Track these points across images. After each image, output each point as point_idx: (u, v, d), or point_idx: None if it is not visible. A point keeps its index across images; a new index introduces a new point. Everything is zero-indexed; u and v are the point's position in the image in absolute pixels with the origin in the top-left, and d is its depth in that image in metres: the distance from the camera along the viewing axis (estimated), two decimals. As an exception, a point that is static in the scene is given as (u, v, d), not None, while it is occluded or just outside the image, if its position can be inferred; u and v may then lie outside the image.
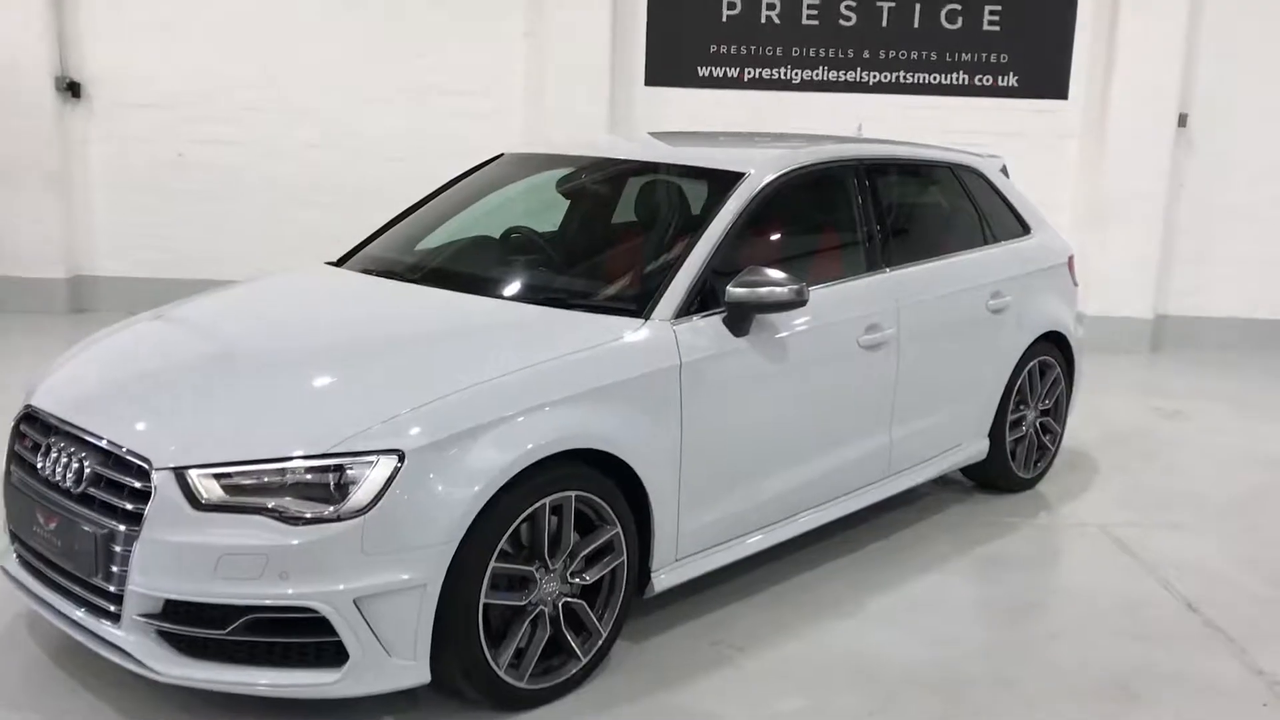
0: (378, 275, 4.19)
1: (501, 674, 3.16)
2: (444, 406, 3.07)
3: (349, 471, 2.91)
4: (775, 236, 4.24)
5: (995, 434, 5.01)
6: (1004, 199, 5.26)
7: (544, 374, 3.27)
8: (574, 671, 3.35)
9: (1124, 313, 8.35)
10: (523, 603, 3.20)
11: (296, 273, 4.44)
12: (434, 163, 8.19)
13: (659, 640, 3.71)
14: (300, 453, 2.93)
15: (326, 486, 2.91)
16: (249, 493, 2.91)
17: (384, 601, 2.91)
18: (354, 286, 4.14)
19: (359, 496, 2.90)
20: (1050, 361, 5.24)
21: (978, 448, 4.94)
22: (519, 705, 3.25)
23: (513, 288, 4.00)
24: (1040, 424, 5.26)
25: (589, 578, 3.35)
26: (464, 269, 4.27)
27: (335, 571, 2.87)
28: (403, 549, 2.92)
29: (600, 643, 3.41)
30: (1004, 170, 5.45)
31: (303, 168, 8.47)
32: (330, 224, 8.36)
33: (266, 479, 2.91)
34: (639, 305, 3.63)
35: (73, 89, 8.32)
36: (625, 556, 3.43)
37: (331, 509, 2.88)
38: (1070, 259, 5.49)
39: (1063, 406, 5.40)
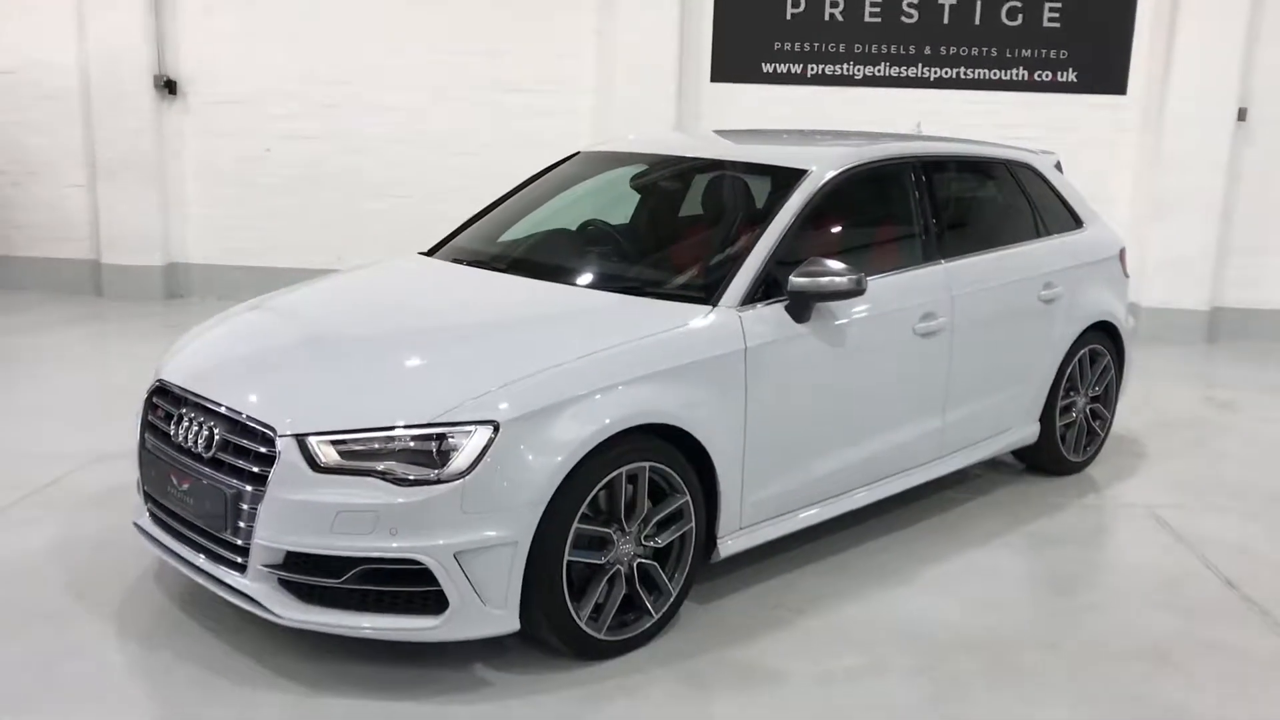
0: (467, 264, 4.54)
1: (582, 625, 3.49)
2: (532, 384, 3.40)
3: (449, 440, 3.26)
4: (835, 229, 4.52)
5: (1046, 419, 5.24)
6: (1057, 194, 5.48)
7: (620, 356, 3.59)
8: (646, 626, 3.67)
9: (1180, 304, 8.49)
10: (602, 561, 3.53)
11: (392, 262, 4.81)
12: (504, 157, 8.62)
13: (724, 602, 4.02)
14: (405, 422, 3.28)
15: (429, 453, 3.26)
16: (361, 457, 3.26)
17: (480, 556, 3.25)
18: (446, 275, 4.49)
19: (458, 462, 3.24)
20: (1100, 350, 5.45)
21: (1028, 431, 5.18)
22: (597, 655, 3.58)
23: (590, 277, 4.33)
24: (1090, 410, 5.48)
25: (660, 541, 3.67)
26: (545, 259, 4.60)
27: (437, 528, 3.21)
28: (496, 509, 3.25)
29: (670, 601, 3.73)
30: (1058, 166, 5.67)
31: (379, 162, 8.88)
32: (405, 215, 8.83)
33: (376, 445, 3.27)
34: (707, 293, 3.93)
35: (170, 87, 8.81)
36: (693, 523, 3.74)
37: (434, 473, 3.23)
38: (1122, 251, 5.69)
39: (1112, 394, 5.61)
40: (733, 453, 3.82)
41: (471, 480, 3.23)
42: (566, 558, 3.41)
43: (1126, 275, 5.72)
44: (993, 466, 5.45)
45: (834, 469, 4.23)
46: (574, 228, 4.90)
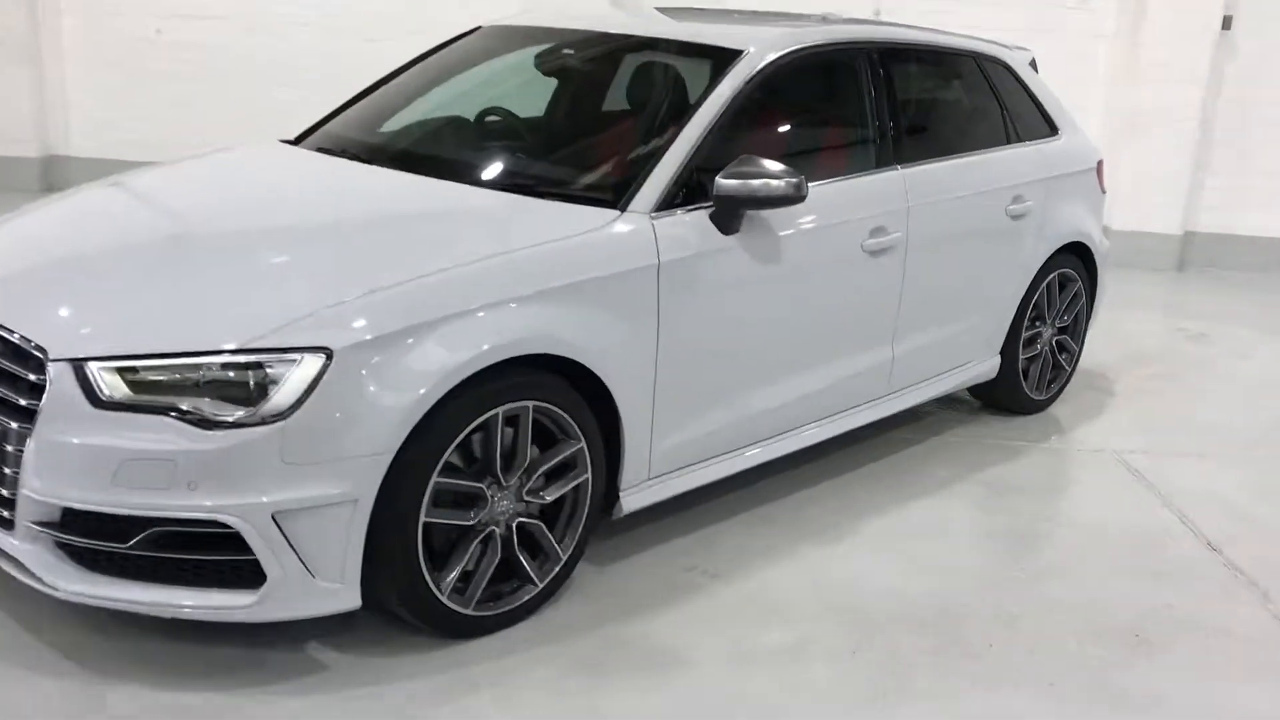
0: (335, 155, 3.79)
1: (444, 599, 2.84)
2: (382, 300, 2.70)
3: (270, 370, 2.56)
4: (774, 125, 3.83)
5: (1007, 351, 4.63)
6: (1031, 95, 4.80)
7: (501, 267, 2.90)
8: (528, 598, 3.04)
9: (1150, 228, 7.89)
10: (470, 522, 2.88)
11: (246, 149, 4.04)
12: (422, 46, 7.67)
13: (626, 565, 3.39)
14: (216, 347, 2.57)
15: (245, 386, 2.56)
16: (156, 390, 2.56)
17: (307, 517, 2.58)
18: (307, 167, 3.74)
19: (279, 399, 2.55)
20: (1071, 275, 4.84)
21: (988, 365, 4.57)
22: (465, 633, 2.94)
23: (479, 172, 3.61)
24: (1056, 342, 4.88)
25: (547, 496, 3.02)
26: (428, 151, 3.88)
27: (251, 482, 2.54)
28: (330, 459, 2.58)
29: (559, 568, 3.09)
30: (1032, 64, 4.99)
31: (289, 47, 7.98)
32: (317, 108, 7.92)
33: (177, 375, 2.56)
34: (616, 195, 3.24)
35: (42, -46, 7.82)
36: (590, 474, 3.09)
37: (248, 412, 2.54)
38: (1099, 164, 5.05)
39: (1082, 324, 5.01)
40: (640, 390, 3.16)
41: (295, 422, 2.55)
42: (423, 518, 2.75)
43: (1103, 191, 5.09)
44: (944, 404, 4.85)
45: (763, 408, 3.59)
46: (470, 117, 4.15)
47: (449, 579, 2.85)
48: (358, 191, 3.49)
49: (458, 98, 4.26)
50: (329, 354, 2.58)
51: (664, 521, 3.61)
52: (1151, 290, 7.41)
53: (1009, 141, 4.59)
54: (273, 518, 2.56)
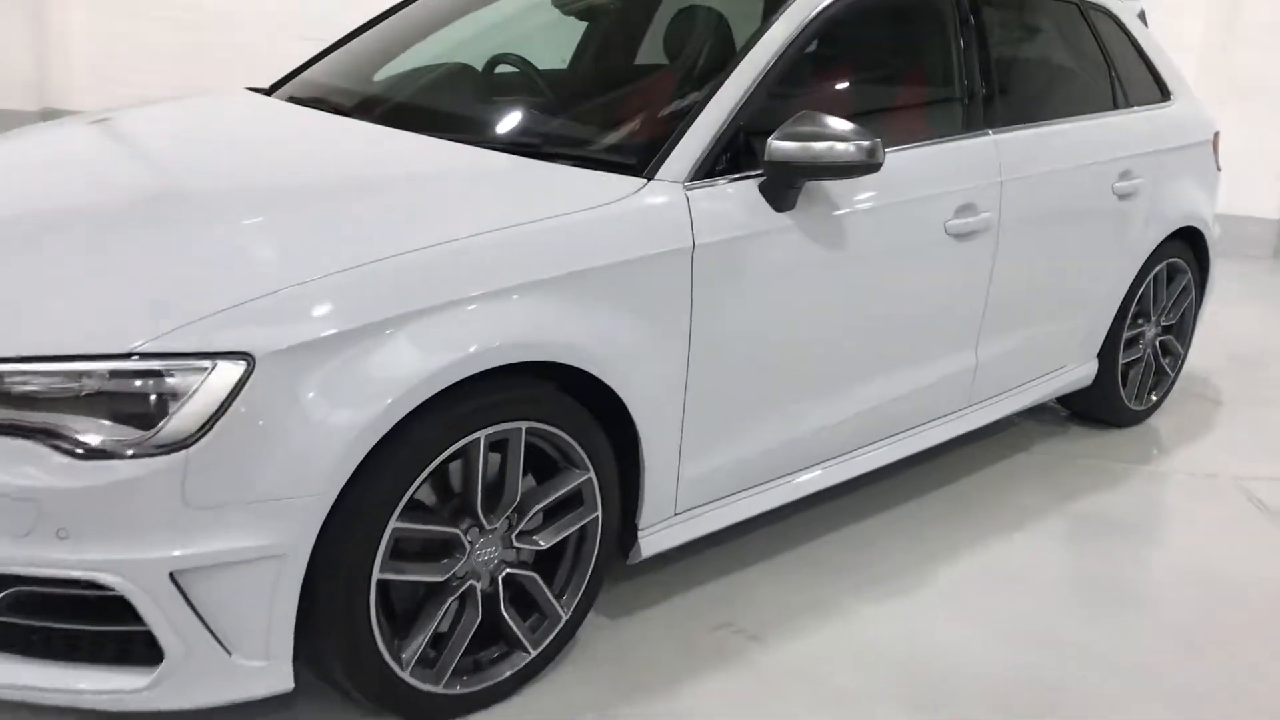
0: (308, 106, 3.15)
1: (405, 674, 2.21)
2: (333, 288, 2.06)
3: (169, 380, 1.92)
4: (838, 78, 3.13)
5: (1106, 354, 3.93)
6: (1140, 53, 4.07)
7: (489, 249, 2.24)
8: (520, 667, 2.40)
9: (1248, 211, 7.09)
10: (441, 578, 2.24)
11: (195, 99, 3.40)
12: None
13: (643, 620, 2.74)
14: (100, 350, 1.93)
15: (137, 401, 1.92)
16: (17, 405, 1.93)
17: (219, 577, 1.95)
18: (276, 122, 3.10)
19: (182, 420, 1.91)
20: (1180, 265, 4.12)
21: (1084, 371, 3.86)
22: (435, 715, 2.30)
23: (482, 130, 2.95)
24: (1160, 343, 4.17)
25: (543, 542, 2.38)
26: (419, 103, 3.22)
27: (141, 531, 1.91)
28: (250, 501, 1.95)
29: (558, 629, 2.45)
30: (1141, 16, 4.24)
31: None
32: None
33: (44, 387, 1.93)
34: (641, 159, 2.56)
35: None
36: (600, 511, 2.45)
37: (140, 436, 1.90)
38: (1215, 136, 4.31)
39: (1189, 322, 4.29)
40: (666, 405, 2.51)
41: (203, 450, 1.91)
42: (376, 574, 2.11)
43: (1219, 168, 4.34)
44: (1026, 412, 4.13)
45: (818, 426, 2.92)
46: (477, 65, 3.49)
47: (412, 649, 2.22)
48: (322, 151, 2.84)
49: (463, 43, 3.61)
50: (250, 360, 1.94)
51: (689, 562, 2.96)
52: (1251, 282, 6.61)
53: (1116, 106, 3.86)
54: (170, 577, 1.93)
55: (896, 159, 2.90)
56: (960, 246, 3.12)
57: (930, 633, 2.80)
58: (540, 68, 3.52)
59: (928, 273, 3.08)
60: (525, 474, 2.33)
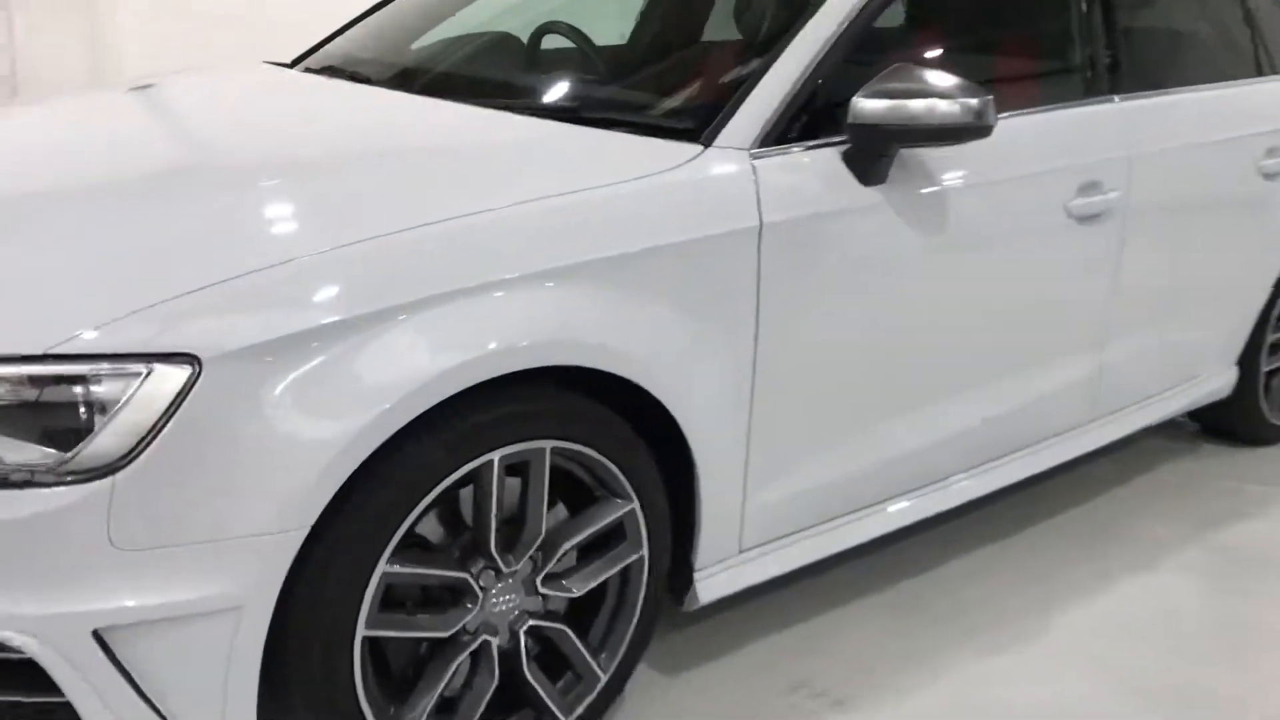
0: (328, 75, 2.77)
1: (403, 753, 1.79)
2: (309, 273, 1.65)
3: (93, 389, 1.52)
4: (937, 33, 2.65)
5: (1245, 360, 3.38)
6: (1285, 13, 3.52)
7: (509, 227, 1.82)
8: (546, 741, 1.97)
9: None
10: (446, 633, 1.81)
11: (201, 72, 3.03)
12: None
13: (703, 679, 2.29)
14: (7, 349, 1.54)
15: (56, 413, 1.53)
16: (-91, 419, 1.55)
17: (157, 636, 1.55)
18: (297, 92, 2.72)
19: (108, 439, 1.51)
20: (1333, 258, 3.55)
21: (1222, 380, 3.32)
22: (440, 801, 1.89)
23: (525, 97, 2.54)
24: (1308, 350, 3.61)
25: (576, 588, 1.94)
26: (453, 70, 2.81)
27: (56, 579, 1.51)
28: (194, 540, 1.54)
29: (597, 691, 2.01)
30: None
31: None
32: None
33: (-60, 396, 1.55)
34: (699, 122, 2.12)
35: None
36: (646, 550, 2.00)
37: (54, 459, 1.51)
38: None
39: (1343, 324, 3.72)
40: (728, 422, 2.06)
41: (134, 478, 1.51)
42: (362, 630, 1.70)
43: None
44: (1152, 428, 3.59)
45: (912, 447, 2.44)
46: (523, 35, 3.08)
47: (414, 718, 1.80)
48: (345, 122, 2.45)
49: (508, 11, 3.23)
50: (195, 363, 1.53)
51: (756, 607, 2.50)
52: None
53: (1261, 73, 3.32)
54: (95, 637, 1.53)
55: (1008, 127, 2.41)
56: (1083, 231, 2.62)
57: (1052, 691, 2.31)
58: (595, 42, 3.11)
59: (1044, 262, 2.58)
60: (554, 504, 1.91)
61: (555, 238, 1.83)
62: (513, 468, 1.82)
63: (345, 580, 1.66)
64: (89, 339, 1.53)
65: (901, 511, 2.49)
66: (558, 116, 2.26)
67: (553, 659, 1.98)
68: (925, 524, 2.65)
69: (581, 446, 1.87)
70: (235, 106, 2.60)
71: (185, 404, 1.52)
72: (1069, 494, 3.16)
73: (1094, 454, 3.14)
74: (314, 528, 1.61)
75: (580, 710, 1.99)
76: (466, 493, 1.82)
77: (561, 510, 1.96)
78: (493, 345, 1.71)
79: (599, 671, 2.00)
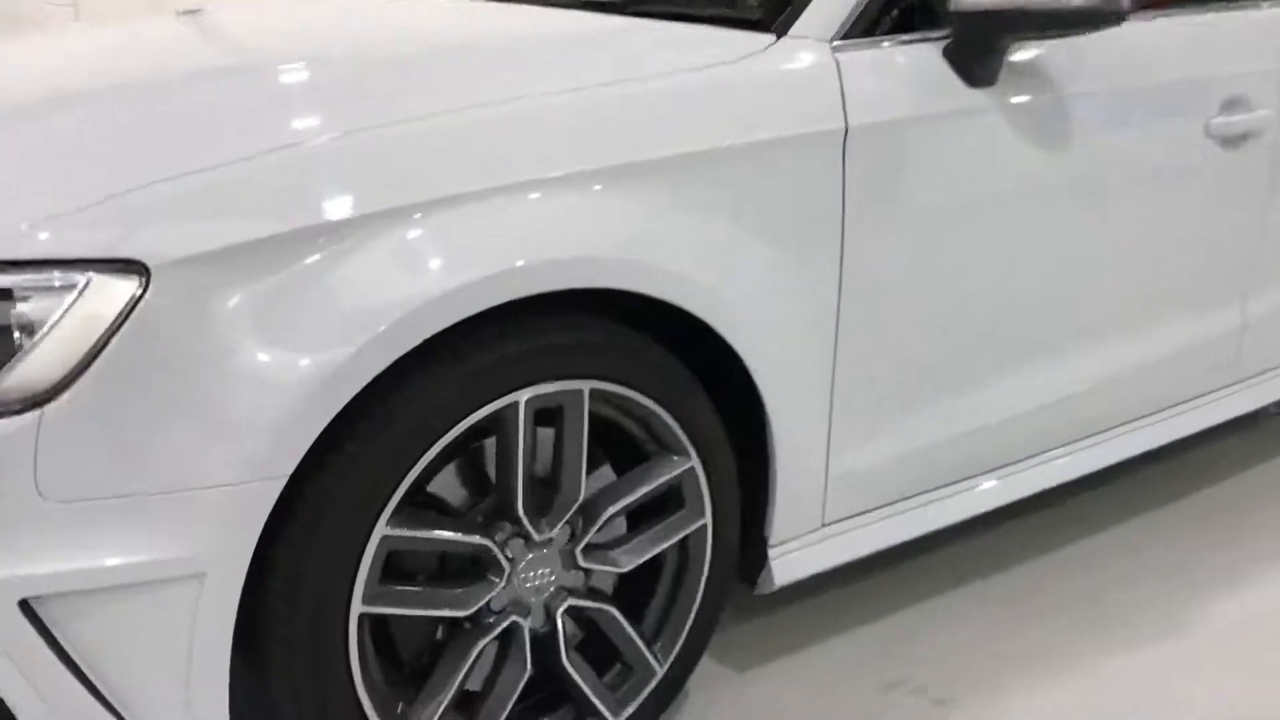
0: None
1: (411, 759, 1.48)
2: (296, 165, 1.35)
3: (19, 305, 1.24)
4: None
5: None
6: None
7: (549, 117, 1.51)
8: (590, 746, 1.65)
9: None
10: (466, 611, 1.50)
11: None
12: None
13: (781, 675, 1.95)
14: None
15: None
16: None
17: (101, 608, 1.26)
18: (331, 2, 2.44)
19: (35, 365, 1.23)
20: None
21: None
22: (460, 816, 1.57)
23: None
24: None
25: (624, 561, 1.62)
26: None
27: (-29, 536, 1.23)
28: (142, 490, 1.25)
29: (652, 687, 1.68)
30: None
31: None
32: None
33: None
34: (769, 9, 1.78)
35: None
36: (709, 517, 1.67)
37: (-33, 390, 1.23)
38: None
39: None
40: (807, 368, 1.72)
41: (67, 412, 1.23)
42: (358, 606, 1.39)
43: None
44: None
45: (1025, 407, 2.06)
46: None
47: (427, 717, 1.49)
48: (369, 21, 2.19)
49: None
50: (142, 274, 1.24)
51: (839, 595, 2.15)
52: None
53: None
54: (23, 608, 1.24)
55: (1138, 29, 2.04)
56: (1226, 156, 2.22)
57: (1191, 693, 1.93)
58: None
59: (1181, 189, 2.19)
60: (598, 466, 1.59)
61: (603, 132, 1.52)
62: (545, 416, 1.50)
63: (335, 544, 1.36)
64: (9, 244, 1.24)
65: (1008, 486, 2.12)
66: (616, 10, 1.96)
67: (599, 648, 1.65)
68: (1033, 505, 2.29)
69: (628, 390, 1.54)
70: (270, 19, 2.33)
71: (129, 323, 1.23)
72: (1197, 473, 2.75)
73: (1221, 428, 2.73)
74: (295, 479, 1.31)
75: (632, 709, 1.67)
76: (492, 445, 1.51)
77: (607, 474, 1.64)
78: (520, 261, 1.40)
79: (654, 663, 1.67)
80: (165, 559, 1.26)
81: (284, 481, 1.29)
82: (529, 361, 1.45)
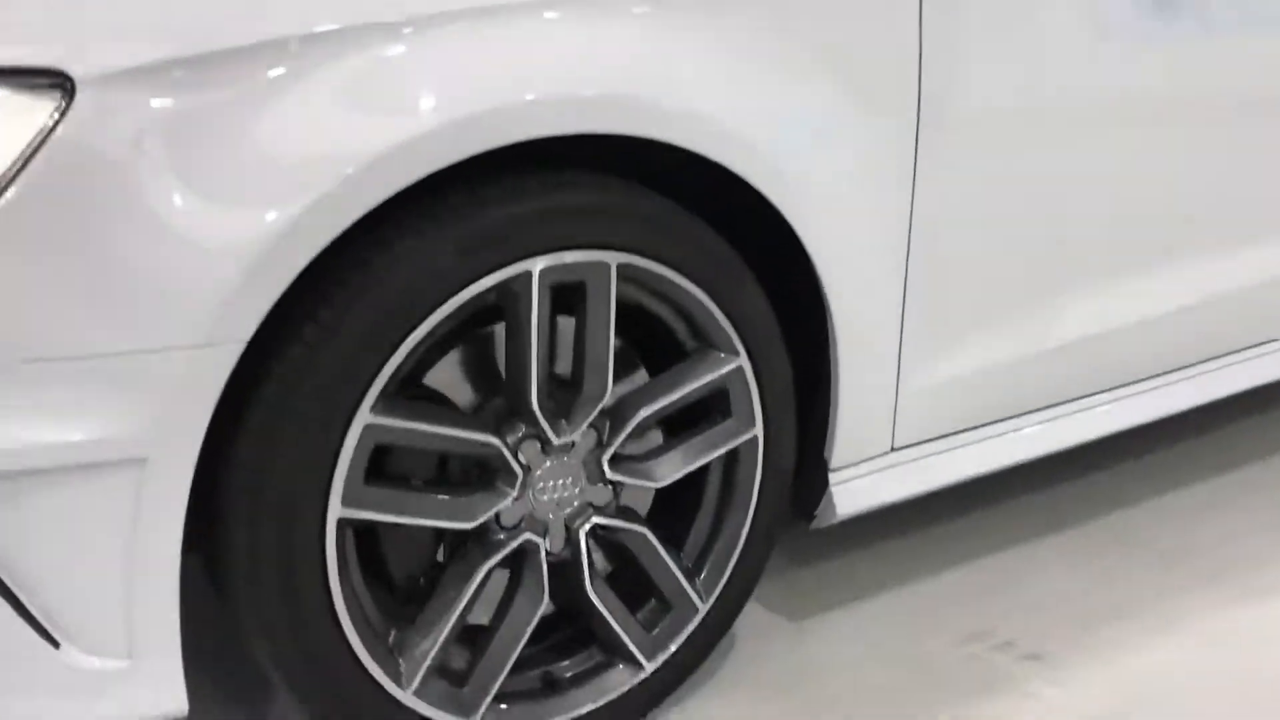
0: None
1: (406, 697, 1.25)
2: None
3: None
4: None
5: None
6: None
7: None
8: (625, 692, 1.40)
9: None
10: (467, 524, 1.26)
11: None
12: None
13: (843, 625, 1.69)
14: None
15: None
16: None
17: (18, 501, 1.05)
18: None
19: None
20: None
21: None
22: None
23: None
24: None
25: (661, 474, 1.37)
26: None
27: None
28: (65, 353, 1.03)
29: (693, 626, 1.43)
30: None
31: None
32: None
33: None
34: None
35: None
36: (761, 429, 1.42)
37: None
38: None
39: None
40: (876, 255, 1.46)
41: (-29, 257, 1.01)
42: (337, 510, 1.16)
43: None
44: None
45: (1124, 324, 1.78)
46: None
47: (422, 650, 1.25)
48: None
49: None
50: (65, 87, 1.02)
51: (911, 537, 1.89)
52: None
53: None
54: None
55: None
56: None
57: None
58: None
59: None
60: (633, 371, 1.36)
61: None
62: (565, 292, 1.25)
63: (308, 430, 1.13)
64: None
65: (1104, 416, 1.83)
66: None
67: (630, 584, 1.41)
68: (1131, 446, 2.01)
69: (664, 268, 1.30)
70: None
71: (47, 147, 1.01)
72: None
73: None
74: (260, 353, 1.08)
75: (670, 651, 1.42)
76: (502, 332, 1.28)
77: (642, 373, 1.41)
78: (530, 94, 1.16)
79: (696, 599, 1.42)
80: (93, 439, 1.04)
81: (238, 348, 1.06)
82: (542, 224, 1.21)
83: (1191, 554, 1.90)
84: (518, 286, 1.21)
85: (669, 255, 1.30)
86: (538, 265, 1.21)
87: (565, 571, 1.35)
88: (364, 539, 1.26)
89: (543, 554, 1.32)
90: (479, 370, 1.31)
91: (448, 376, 1.29)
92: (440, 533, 1.31)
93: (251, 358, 1.09)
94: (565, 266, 1.23)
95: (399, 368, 1.16)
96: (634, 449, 1.38)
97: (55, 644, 1.09)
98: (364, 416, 1.15)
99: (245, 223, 1.05)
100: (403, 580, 1.29)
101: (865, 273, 1.45)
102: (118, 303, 1.03)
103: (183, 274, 1.04)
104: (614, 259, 1.26)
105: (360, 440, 1.15)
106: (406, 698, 1.24)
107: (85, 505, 1.06)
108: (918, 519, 1.89)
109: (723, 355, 1.38)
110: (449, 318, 1.18)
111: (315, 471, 1.13)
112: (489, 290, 1.19)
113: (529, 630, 1.32)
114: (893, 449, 1.60)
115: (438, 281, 1.16)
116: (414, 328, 1.15)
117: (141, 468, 1.06)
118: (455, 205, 1.16)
